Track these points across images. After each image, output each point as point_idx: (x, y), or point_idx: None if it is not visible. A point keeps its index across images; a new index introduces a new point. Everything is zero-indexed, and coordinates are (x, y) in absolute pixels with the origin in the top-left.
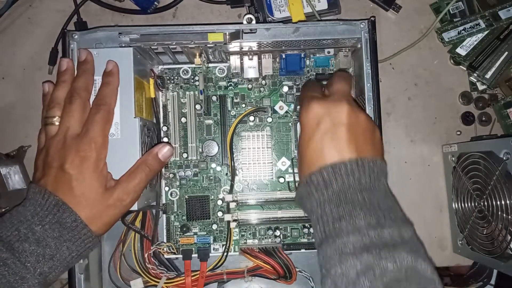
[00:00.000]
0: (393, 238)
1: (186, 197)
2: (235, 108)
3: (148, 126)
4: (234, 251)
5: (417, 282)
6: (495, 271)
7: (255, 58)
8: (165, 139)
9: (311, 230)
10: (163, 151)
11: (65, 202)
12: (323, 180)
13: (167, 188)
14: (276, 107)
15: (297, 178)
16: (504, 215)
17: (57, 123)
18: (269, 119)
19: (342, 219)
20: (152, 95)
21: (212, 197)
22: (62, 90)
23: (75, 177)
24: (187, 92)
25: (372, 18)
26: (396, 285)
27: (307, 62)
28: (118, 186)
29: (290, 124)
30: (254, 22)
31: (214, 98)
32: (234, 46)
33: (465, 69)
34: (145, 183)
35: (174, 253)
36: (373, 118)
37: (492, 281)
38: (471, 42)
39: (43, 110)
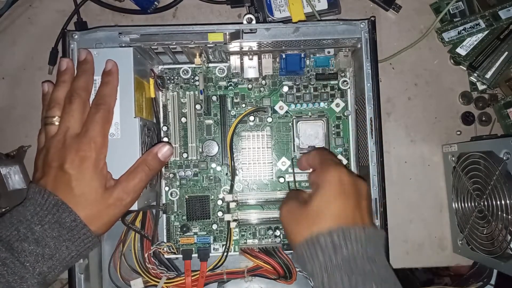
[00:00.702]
0: None
1: (186, 197)
2: (235, 108)
3: (148, 126)
4: (234, 251)
5: None
6: (495, 271)
7: (255, 58)
8: (165, 139)
9: None
10: (162, 150)
11: (65, 202)
12: (332, 243)
13: (167, 188)
14: (276, 107)
15: (297, 178)
16: (504, 215)
17: (57, 123)
18: (269, 119)
19: None
20: (152, 95)
21: (212, 197)
22: (62, 90)
23: (75, 177)
24: (187, 92)
25: (372, 18)
26: None
27: (307, 62)
28: (118, 186)
29: (290, 124)
30: (254, 22)
31: (214, 98)
32: (234, 46)
33: (465, 69)
34: (145, 182)
35: (174, 253)
36: (373, 118)
37: (492, 281)
38: (471, 42)
39: (43, 110)
